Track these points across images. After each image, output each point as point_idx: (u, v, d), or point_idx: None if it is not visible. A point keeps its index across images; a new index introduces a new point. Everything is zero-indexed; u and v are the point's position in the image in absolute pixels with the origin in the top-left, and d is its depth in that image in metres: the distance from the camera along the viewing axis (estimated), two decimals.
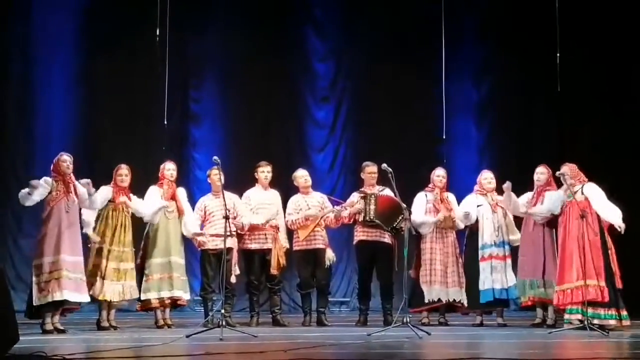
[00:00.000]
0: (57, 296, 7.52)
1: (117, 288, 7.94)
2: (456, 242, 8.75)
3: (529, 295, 8.24)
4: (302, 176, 8.80)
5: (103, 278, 7.90)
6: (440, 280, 8.59)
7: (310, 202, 8.69)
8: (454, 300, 8.61)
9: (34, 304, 7.50)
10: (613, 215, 7.83)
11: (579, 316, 7.62)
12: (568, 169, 8.03)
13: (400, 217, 8.17)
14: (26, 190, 7.60)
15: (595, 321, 7.54)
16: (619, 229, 7.75)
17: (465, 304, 8.60)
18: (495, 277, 8.41)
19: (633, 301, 8.03)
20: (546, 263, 8.19)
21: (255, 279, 8.60)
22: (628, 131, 10.93)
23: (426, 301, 8.59)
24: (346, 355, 5.93)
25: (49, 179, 7.70)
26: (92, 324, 8.19)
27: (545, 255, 8.21)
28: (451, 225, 8.71)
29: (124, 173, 8.18)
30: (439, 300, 8.60)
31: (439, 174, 8.88)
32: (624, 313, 7.77)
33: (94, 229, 8.00)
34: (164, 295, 8.22)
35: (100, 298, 7.90)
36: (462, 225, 8.71)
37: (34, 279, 7.53)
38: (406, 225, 7.81)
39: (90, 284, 7.85)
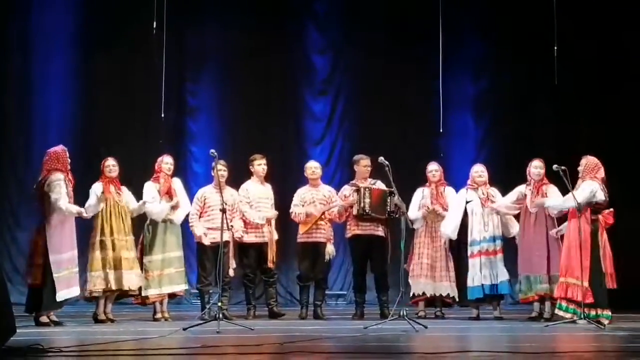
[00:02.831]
0: (74, 292, 7.65)
1: (130, 276, 7.95)
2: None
3: (535, 291, 8.20)
4: (310, 167, 8.81)
5: (116, 269, 7.90)
6: (426, 274, 8.60)
7: (316, 196, 8.68)
8: (441, 294, 8.61)
9: (58, 300, 7.51)
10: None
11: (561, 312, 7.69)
12: (585, 161, 7.95)
13: (388, 200, 8.25)
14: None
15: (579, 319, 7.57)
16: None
17: (457, 299, 8.61)
18: (485, 274, 8.39)
19: (632, 298, 8.06)
20: (551, 258, 8.15)
21: (251, 272, 8.62)
22: (626, 126, 10.93)
23: (411, 294, 8.62)
24: (343, 348, 5.94)
25: (61, 175, 7.66)
26: (88, 317, 8.19)
27: (549, 250, 8.18)
28: (436, 219, 8.70)
29: (111, 164, 8.18)
30: (424, 293, 8.61)
31: (431, 169, 8.89)
32: (606, 312, 7.68)
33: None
34: (165, 291, 8.28)
35: (117, 287, 7.89)
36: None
37: (55, 275, 7.49)
38: (400, 201, 7.87)
39: (102, 277, 7.87)
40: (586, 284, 7.59)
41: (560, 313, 7.76)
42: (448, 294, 8.60)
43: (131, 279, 7.95)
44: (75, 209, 7.66)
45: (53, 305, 7.59)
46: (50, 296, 7.52)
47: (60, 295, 7.52)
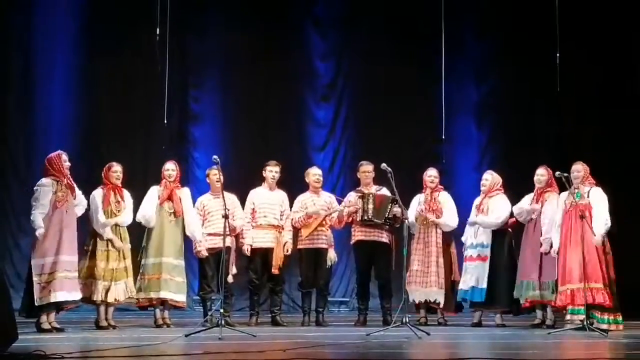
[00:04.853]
0: (59, 296, 7.53)
1: (120, 287, 7.94)
2: (439, 242, 8.63)
3: (526, 297, 8.24)
4: (315, 174, 8.78)
5: (102, 279, 7.87)
6: (416, 281, 8.58)
7: (318, 202, 8.66)
8: (429, 300, 8.59)
9: (36, 304, 7.48)
10: (598, 229, 7.72)
11: (582, 317, 7.53)
12: (582, 168, 7.98)
13: (389, 206, 8.25)
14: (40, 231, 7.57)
15: (596, 324, 7.53)
16: (593, 240, 7.70)
17: (442, 305, 8.58)
18: (464, 278, 8.47)
19: (632, 302, 8.03)
20: (543, 265, 8.17)
21: (256, 278, 8.58)
22: (628, 130, 10.93)
23: (410, 302, 8.59)
24: (345, 355, 5.93)
25: (48, 180, 7.67)
26: (90, 323, 8.19)
27: (541, 256, 8.18)
28: (425, 224, 8.66)
29: (118, 170, 8.15)
30: (413, 300, 8.60)
31: (430, 174, 8.87)
32: (619, 317, 7.76)
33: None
34: (153, 296, 8.18)
35: (101, 299, 7.86)
36: (446, 228, 8.69)
37: (35, 278, 7.50)
38: (400, 212, 7.92)
39: (89, 286, 7.85)
40: (607, 288, 7.63)
41: (573, 317, 7.74)
42: (435, 300, 8.58)
43: (118, 291, 7.92)
44: (37, 224, 7.54)
45: (43, 308, 7.53)
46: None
47: (39, 300, 7.45)
